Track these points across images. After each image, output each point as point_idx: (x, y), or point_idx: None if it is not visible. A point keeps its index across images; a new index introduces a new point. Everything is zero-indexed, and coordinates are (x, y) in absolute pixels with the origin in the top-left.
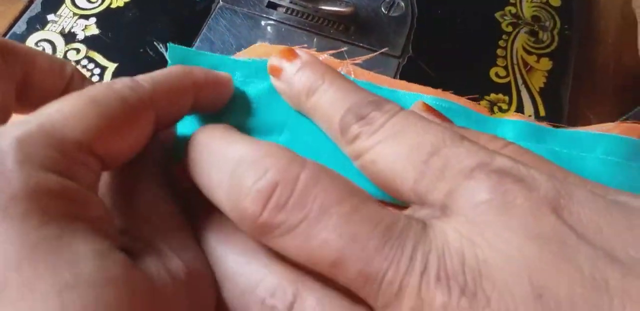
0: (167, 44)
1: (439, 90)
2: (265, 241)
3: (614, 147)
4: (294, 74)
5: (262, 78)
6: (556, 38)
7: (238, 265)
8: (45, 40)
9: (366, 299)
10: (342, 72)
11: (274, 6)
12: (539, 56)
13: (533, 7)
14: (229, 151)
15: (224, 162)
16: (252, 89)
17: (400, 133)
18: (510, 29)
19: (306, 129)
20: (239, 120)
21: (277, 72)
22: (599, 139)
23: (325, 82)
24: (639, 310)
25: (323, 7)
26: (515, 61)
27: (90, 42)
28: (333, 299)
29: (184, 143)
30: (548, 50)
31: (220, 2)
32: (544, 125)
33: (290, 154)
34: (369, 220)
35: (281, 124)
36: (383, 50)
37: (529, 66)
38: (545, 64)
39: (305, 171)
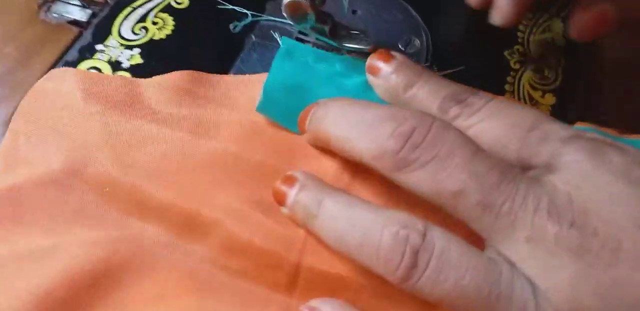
0: (282, 37)
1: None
2: (398, 175)
3: None
4: (391, 72)
5: (359, 73)
6: (560, 75)
7: (366, 210)
8: (94, 67)
9: (480, 231)
10: None
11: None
12: (544, 92)
13: (540, 46)
14: (368, 110)
15: (365, 117)
16: (349, 81)
17: (501, 113)
18: (517, 66)
19: None
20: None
21: (375, 70)
22: None
23: (423, 77)
24: None
25: (346, 44)
26: (521, 95)
27: (135, 70)
28: (453, 234)
29: (277, 98)
30: (553, 86)
31: (254, 37)
32: (609, 132)
33: (422, 111)
34: (488, 163)
35: None
36: None
37: (534, 101)
38: (550, 99)
39: (436, 121)
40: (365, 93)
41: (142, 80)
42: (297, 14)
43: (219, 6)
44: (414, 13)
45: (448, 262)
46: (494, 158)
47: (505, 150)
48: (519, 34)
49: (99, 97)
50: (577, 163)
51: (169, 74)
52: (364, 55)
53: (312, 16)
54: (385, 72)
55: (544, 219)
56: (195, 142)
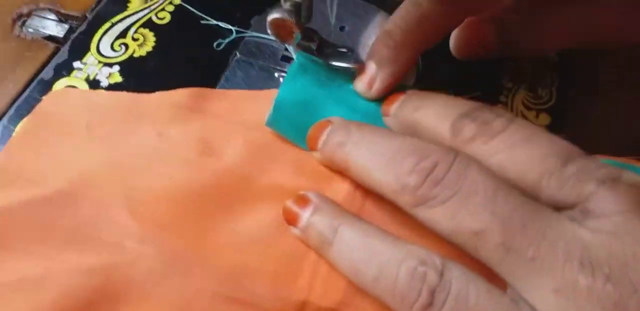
0: (297, 52)
1: None
2: (417, 211)
3: None
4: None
5: None
6: (554, 94)
7: (384, 242)
8: (70, 86)
9: (503, 275)
10: None
11: (287, 59)
12: (538, 112)
13: (532, 64)
14: (391, 141)
15: (387, 149)
16: (362, 101)
17: (530, 141)
18: (510, 85)
19: None
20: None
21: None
22: None
23: (431, 98)
24: None
25: (333, 63)
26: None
27: (114, 89)
28: (473, 272)
29: (287, 113)
30: (547, 105)
31: (238, 55)
32: (631, 163)
33: (445, 146)
34: (513, 201)
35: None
36: None
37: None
38: (544, 119)
39: (459, 157)
40: (377, 114)
41: (147, 96)
42: (282, 31)
43: (201, 21)
44: None
45: (464, 303)
46: (520, 196)
47: (534, 185)
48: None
49: (101, 120)
50: (619, 214)
51: (173, 90)
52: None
53: (297, 34)
54: (392, 109)
55: (575, 270)
56: (202, 164)
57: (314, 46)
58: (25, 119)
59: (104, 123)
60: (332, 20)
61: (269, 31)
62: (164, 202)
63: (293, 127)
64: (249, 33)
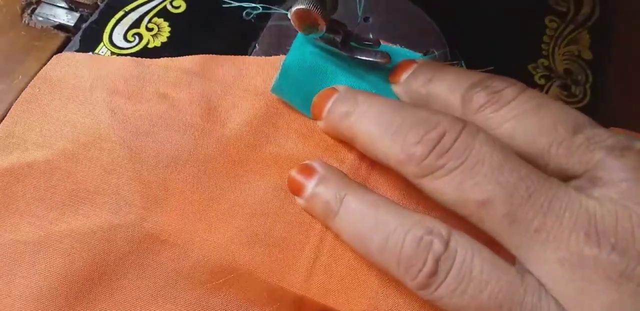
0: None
1: None
2: (422, 181)
3: None
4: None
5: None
6: (588, 92)
7: (390, 212)
8: None
9: (508, 246)
10: None
11: None
12: None
13: (565, 60)
14: (399, 112)
15: (394, 119)
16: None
17: (540, 110)
18: (543, 81)
19: None
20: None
21: (395, 78)
22: None
23: (443, 70)
24: None
25: (359, 57)
26: None
27: None
28: (479, 243)
29: (294, 79)
30: (580, 105)
31: (257, 46)
32: None
33: (453, 116)
34: (518, 171)
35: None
36: None
37: None
38: None
39: (467, 127)
40: (385, 84)
41: (150, 61)
42: (306, 23)
43: (224, 6)
44: (431, 23)
45: (469, 273)
46: (526, 166)
47: (543, 154)
48: (543, 46)
49: (105, 83)
50: (628, 181)
51: (178, 57)
52: None
53: (323, 26)
54: (402, 78)
55: (581, 241)
56: (207, 130)
57: (338, 39)
58: (30, 84)
59: (107, 85)
60: (359, 11)
61: (292, 22)
62: (168, 167)
63: (299, 93)
64: (276, 9)
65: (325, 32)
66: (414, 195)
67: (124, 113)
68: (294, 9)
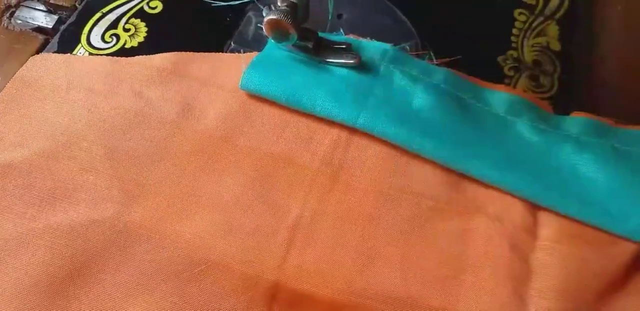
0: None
1: (511, 88)
2: None
3: None
4: None
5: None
6: (556, 82)
7: None
8: None
9: None
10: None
11: None
12: (540, 100)
13: (534, 51)
14: None
15: None
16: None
17: None
18: (512, 73)
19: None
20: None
21: None
22: None
23: None
24: None
25: (330, 60)
26: None
27: None
28: None
29: (263, 71)
30: (548, 94)
31: (232, 44)
32: (606, 122)
33: None
34: None
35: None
36: None
37: None
38: (546, 108)
39: None
40: (354, 81)
41: (125, 59)
42: (277, 32)
43: (200, 7)
44: (402, 17)
45: None
46: None
47: None
48: (512, 38)
49: (82, 83)
50: None
51: (154, 55)
52: None
53: (294, 35)
54: None
55: None
56: (182, 126)
57: (310, 45)
58: (7, 85)
59: (83, 84)
60: (330, 8)
61: (264, 32)
62: (145, 164)
63: (271, 82)
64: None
65: (297, 40)
66: (398, 169)
67: (101, 111)
68: (265, 19)
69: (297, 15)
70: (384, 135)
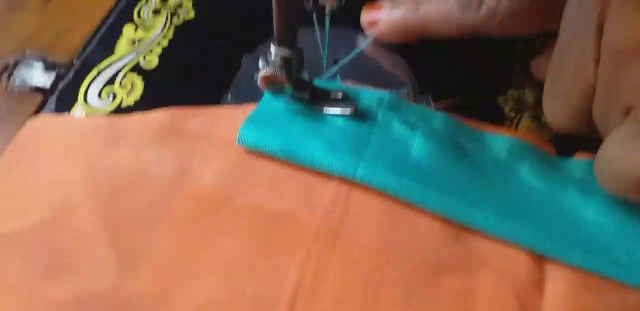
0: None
1: (513, 130)
2: None
3: None
4: None
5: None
6: None
7: None
8: None
9: None
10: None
11: None
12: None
13: (536, 90)
14: None
15: None
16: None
17: None
18: (513, 114)
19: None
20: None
21: None
22: None
23: None
24: None
25: (327, 111)
26: None
27: None
28: None
29: (260, 126)
30: (551, 134)
31: (229, 96)
32: None
33: None
34: None
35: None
36: None
37: None
38: (549, 149)
39: None
40: (353, 132)
41: (123, 118)
42: (272, 86)
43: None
44: (399, 59)
45: None
46: None
47: None
48: (512, 77)
49: (79, 146)
50: None
51: (151, 111)
52: None
53: (289, 88)
54: None
55: None
56: (180, 187)
57: (306, 96)
58: (5, 151)
59: (82, 147)
60: (325, 54)
61: (259, 86)
62: (143, 229)
63: (268, 137)
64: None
65: (292, 93)
66: (396, 220)
67: (99, 176)
68: (260, 74)
69: (292, 68)
70: (384, 187)
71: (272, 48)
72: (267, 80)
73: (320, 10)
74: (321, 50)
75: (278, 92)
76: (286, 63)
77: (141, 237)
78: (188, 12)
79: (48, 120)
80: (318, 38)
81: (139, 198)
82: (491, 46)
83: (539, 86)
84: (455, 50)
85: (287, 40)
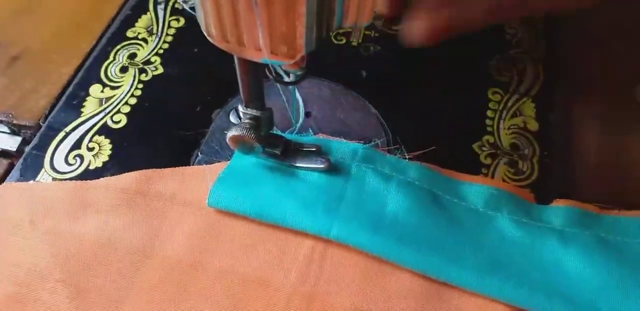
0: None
1: (489, 179)
2: None
3: None
4: None
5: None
6: (536, 166)
7: None
8: None
9: None
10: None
11: None
12: (520, 189)
13: (511, 134)
14: None
15: None
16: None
17: None
18: (489, 160)
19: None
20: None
21: None
22: None
23: None
24: None
25: (300, 165)
26: None
27: None
28: None
29: (231, 186)
30: (528, 181)
31: (199, 155)
32: (589, 209)
33: None
34: None
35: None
36: None
37: None
38: (527, 196)
39: None
40: (325, 188)
41: (90, 184)
42: (242, 145)
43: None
44: (372, 110)
45: None
46: None
47: None
48: (487, 121)
49: (45, 214)
50: None
51: (119, 175)
52: None
53: (259, 147)
54: None
55: None
56: (149, 255)
57: (278, 151)
58: None
59: (48, 216)
60: (293, 109)
61: (230, 146)
62: (111, 301)
63: (238, 199)
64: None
65: (264, 149)
66: (369, 279)
67: (65, 246)
68: (229, 135)
69: (261, 127)
70: (359, 245)
71: (240, 108)
72: (236, 140)
73: (283, 79)
74: (288, 109)
75: (248, 151)
76: (255, 121)
77: (111, 309)
78: (156, 68)
79: (13, 189)
80: (285, 102)
81: (107, 268)
82: (464, 90)
83: (513, 129)
84: (428, 99)
85: (254, 103)
